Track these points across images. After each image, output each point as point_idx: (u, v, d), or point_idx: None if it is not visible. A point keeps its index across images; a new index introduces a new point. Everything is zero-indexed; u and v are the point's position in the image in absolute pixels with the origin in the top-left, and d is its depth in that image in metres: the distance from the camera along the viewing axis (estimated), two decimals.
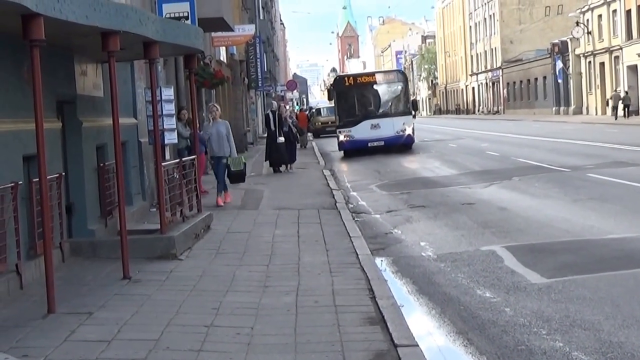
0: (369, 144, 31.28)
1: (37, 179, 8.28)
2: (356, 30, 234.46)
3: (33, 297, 8.47)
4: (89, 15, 8.24)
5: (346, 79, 33.80)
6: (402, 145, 31.64)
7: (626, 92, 52.29)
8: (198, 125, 15.21)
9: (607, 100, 53.03)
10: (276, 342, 6.79)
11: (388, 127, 31.41)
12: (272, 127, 24.61)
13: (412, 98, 34.47)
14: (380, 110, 32.59)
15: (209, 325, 7.32)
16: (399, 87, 33.30)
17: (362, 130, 31.39)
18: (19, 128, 9.16)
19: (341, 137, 32.09)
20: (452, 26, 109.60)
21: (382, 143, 31.31)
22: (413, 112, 32.83)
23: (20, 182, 9.00)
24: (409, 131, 31.81)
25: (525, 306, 7.93)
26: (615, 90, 54.43)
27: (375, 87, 33.08)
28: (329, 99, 35.94)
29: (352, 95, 32.69)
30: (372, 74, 35.36)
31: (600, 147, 27.73)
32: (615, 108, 51.21)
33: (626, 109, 50.80)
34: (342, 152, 32.58)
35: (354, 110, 32.55)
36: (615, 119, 49.63)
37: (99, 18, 8.49)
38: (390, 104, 33.05)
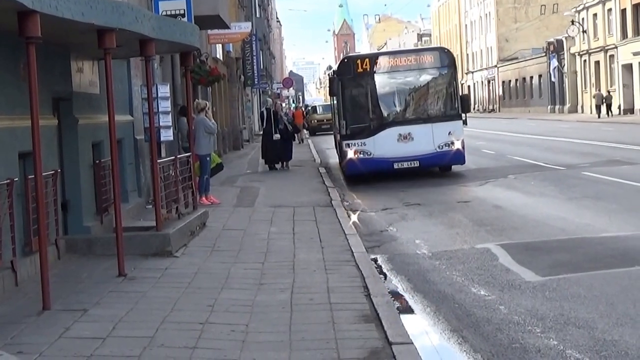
0: (395, 165, 20.16)
1: (33, 176, 8.28)
2: (352, 28, 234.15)
3: (28, 294, 8.48)
4: (85, 12, 8.24)
5: (359, 62, 20.76)
6: (445, 166, 21.23)
7: (608, 92, 54.33)
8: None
9: (603, 99, 53.80)
10: (271, 340, 6.80)
11: (425, 139, 20.07)
12: (268, 125, 24.60)
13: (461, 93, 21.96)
14: (413, 112, 20.80)
15: (204, 323, 7.33)
16: (443, 75, 20.94)
17: (384, 144, 20.07)
18: (14, 125, 9.16)
19: (350, 154, 20.27)
20: (447, 24, 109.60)
21: (417, 164, 20.14)
22: (463, 116, 20.67)
23: (16, 179, 8.99)
24: (457, 145, 20.24)
25: (519, 304, 7.95)
26: (599, 90, 56.03)
27: (404, 74, 20.87)
28: (331, 93, 22.47)
29: (368, 87, 20.69)
30: (400, 54, 21.89)
31: (595, 145, 27.78)
32: (598, 107, 52.98)
33: (608, 108, 52.75)
34: (349, 176, 21.22)
35: (371, 111, 20.66)
36: (599, 117, 51.47)
37: (95, 15, 8.49)
38: (428, 102, 21.08)
